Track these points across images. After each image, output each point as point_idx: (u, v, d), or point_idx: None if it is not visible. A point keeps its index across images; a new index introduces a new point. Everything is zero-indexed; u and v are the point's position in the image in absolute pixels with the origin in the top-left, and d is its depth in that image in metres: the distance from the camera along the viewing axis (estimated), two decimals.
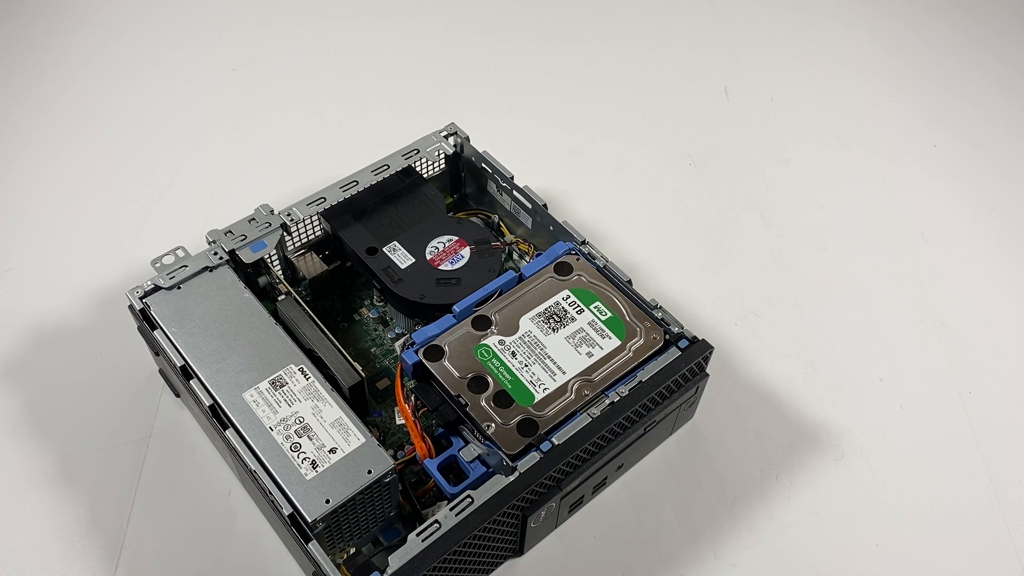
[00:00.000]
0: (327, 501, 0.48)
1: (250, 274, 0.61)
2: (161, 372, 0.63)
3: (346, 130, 0.85)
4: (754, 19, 1.00)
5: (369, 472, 0.49)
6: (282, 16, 0.97)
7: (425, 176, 0.70)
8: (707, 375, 0.58)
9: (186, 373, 0.54)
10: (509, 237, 0.69)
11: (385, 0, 1.00)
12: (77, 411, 0.63)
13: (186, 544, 0.57)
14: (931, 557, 0.58)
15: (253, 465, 0.49)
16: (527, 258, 0.67)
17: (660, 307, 0.58)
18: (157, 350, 0.57)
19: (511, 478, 0.49)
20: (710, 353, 0.56)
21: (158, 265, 0.59)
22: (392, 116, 0.87)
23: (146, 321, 0.57)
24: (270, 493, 0.49)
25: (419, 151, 0.68)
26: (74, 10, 0.96)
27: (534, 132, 0.86)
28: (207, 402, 0.52)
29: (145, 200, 0.78)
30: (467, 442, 0.53)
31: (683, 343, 0.56)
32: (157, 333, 0.56)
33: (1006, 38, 0.99)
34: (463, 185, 0.73)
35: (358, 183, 0.65)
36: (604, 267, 0.60)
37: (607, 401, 0.52)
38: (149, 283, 0.58)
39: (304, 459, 0.49)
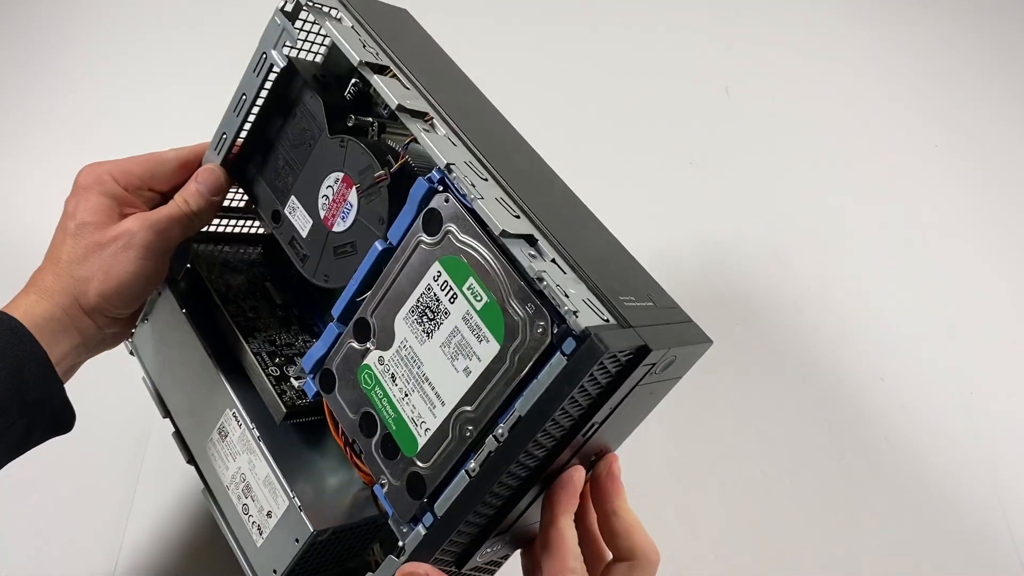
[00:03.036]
0: (274, 571, 0.48)
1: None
2: None
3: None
4: (755, 19, 1.00)
5: (297, 541, 0.47)
6: None
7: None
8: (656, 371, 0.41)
9: (173, 422, 0.54)
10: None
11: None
12: (77, 411, 0.63)
13: (185, 545, 0.57)
14: (931, 557, 0.58)
15: (224, 530, 0.50)
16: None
17: (545, 276, 0.38)
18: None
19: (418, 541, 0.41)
20: (644, 354, 0.37)
21: None
22: None
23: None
24: (240, 554, 0.50)
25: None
26: (74, 11, 0.96)
27: (534, 132, 0.86)
28: (185, 457, 0.53)
29: None
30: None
31: (568, 345, 0.37)
32: (143, 378, 0.55)
33: (1006, 39, 0.99)
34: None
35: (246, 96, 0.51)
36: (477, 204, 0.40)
37: (485, 451, 0.39)
38: None
39: (252, 523, 0.49)
